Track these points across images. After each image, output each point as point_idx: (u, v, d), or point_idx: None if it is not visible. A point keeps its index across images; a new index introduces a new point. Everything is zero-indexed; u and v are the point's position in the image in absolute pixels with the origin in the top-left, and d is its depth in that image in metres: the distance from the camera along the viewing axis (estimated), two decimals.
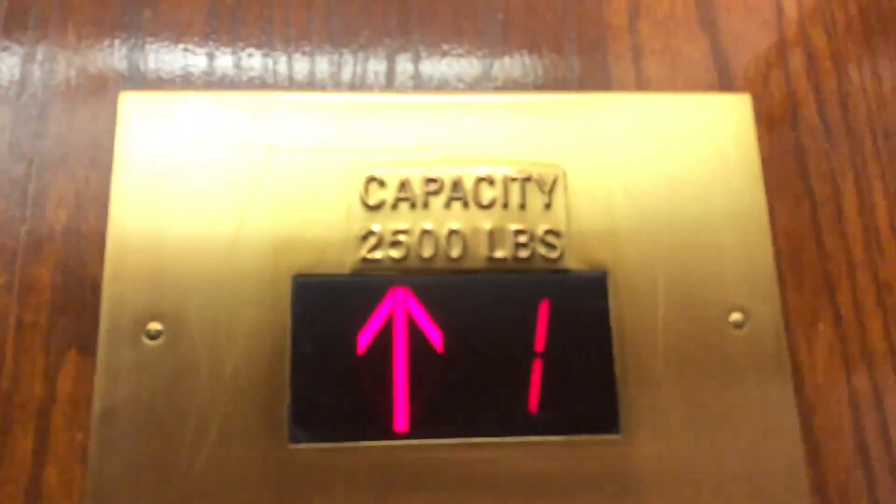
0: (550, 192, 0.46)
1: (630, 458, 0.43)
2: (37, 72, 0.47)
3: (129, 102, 0.47)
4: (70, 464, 0.41)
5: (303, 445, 0.42)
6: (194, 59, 0.49)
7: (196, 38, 0.49)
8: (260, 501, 0.41)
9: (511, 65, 0.50)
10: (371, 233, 0.45)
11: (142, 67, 0.48)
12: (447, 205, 0.46)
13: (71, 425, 0.42)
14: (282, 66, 0.49)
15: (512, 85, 0.50)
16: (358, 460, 0.42)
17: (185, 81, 0.48)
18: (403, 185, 0.46)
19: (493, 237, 0.45)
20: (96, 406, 0.41)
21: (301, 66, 0.49)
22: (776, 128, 0.50)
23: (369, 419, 0.43)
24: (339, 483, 0.42)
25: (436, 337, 0.44)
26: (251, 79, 0.49)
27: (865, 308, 0.47)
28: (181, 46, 0.49)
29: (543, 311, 0.45)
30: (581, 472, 0.43)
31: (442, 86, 0.49)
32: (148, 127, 0.46)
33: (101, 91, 0.47)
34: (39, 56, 0.48)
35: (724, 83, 0.51)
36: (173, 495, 0.41)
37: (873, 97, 0.51)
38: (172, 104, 0.47)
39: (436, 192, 0.46)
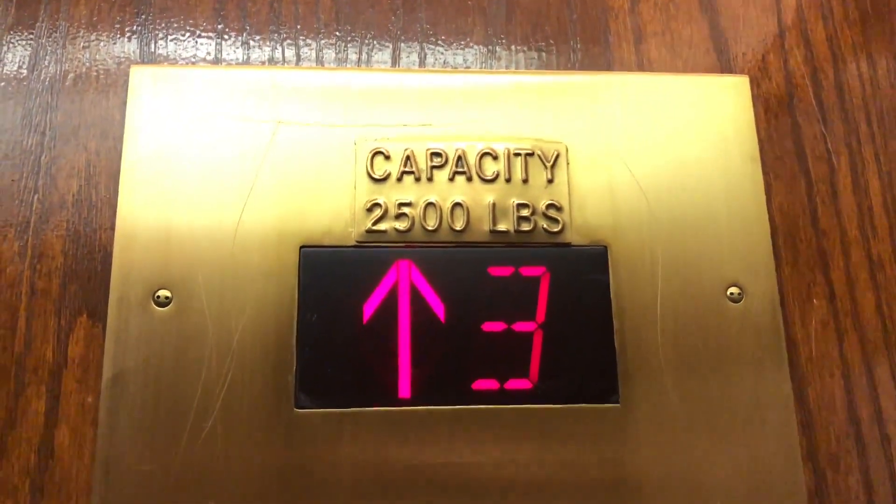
0: (553, 167, 0.47)
1: (629, 427, 0.44)
2: (49, 46, 0.48)
3: (140, 76, 0.47)
4: (81, 425, 0.42)
5: (308, 410, 0.43)
6: (203, 36, 0.50)
7: (206, 16, 0.50)
8: (266, 465, 0.42)
9: (515, 44, 0.51)
10: (376, 205, 0.46)
11: (152, 43, 0.49)
12: (451, 178, 0.47)
13: (82, 388, 0.43)
14: (289, 44, 0.50)
15: (515, 64, 0.51)
16: (362, 425, 0.43)
17: (194, 58, 0.49)
18: (408, 159, 0.47)
19: (496, 210, 0.46)
20: (106, 370, 0.42)
21: (308, 43, 0.50)
22: (773, 109, 0.51)
23: (373, 386, 0.44)
24: (343, 447, 0.43)
25: (439, 308, 0.45)
26: (259, 56, 0.49)
27: (858, 284, 0.48)
28: (191, 23, 0.50)
29: (544, 284, 0.46)
30: (581, 439, 0.44)
31: (447, 64, 0.50)
32: (158, 100, 0.47)
33: (112, 66, 0.48)
34: (53, 31, 0.49)
35: (724, 65, 0.52)
36: (181, 457, 0.42)
37: (868, 81, 0.52)
38: (182, 79, 0.48)
39: (440, 166, 0.47)
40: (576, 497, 0.43)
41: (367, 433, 0.43)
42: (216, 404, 0.42)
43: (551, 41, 0.51)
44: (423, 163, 0.47)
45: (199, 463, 0.42)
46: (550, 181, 0.47)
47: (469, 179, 0.47)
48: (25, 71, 0.48)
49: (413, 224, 0.46)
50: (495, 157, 0.47)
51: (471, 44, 0.51)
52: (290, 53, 0.50)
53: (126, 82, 0.48)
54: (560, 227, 0.47)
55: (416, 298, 0.45)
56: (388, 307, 0.45)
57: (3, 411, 0.42)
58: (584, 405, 0.44)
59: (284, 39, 0.50)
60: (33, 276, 0.44)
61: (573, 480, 0.43)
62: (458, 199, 0.46)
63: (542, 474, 0.43)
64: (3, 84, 0.47)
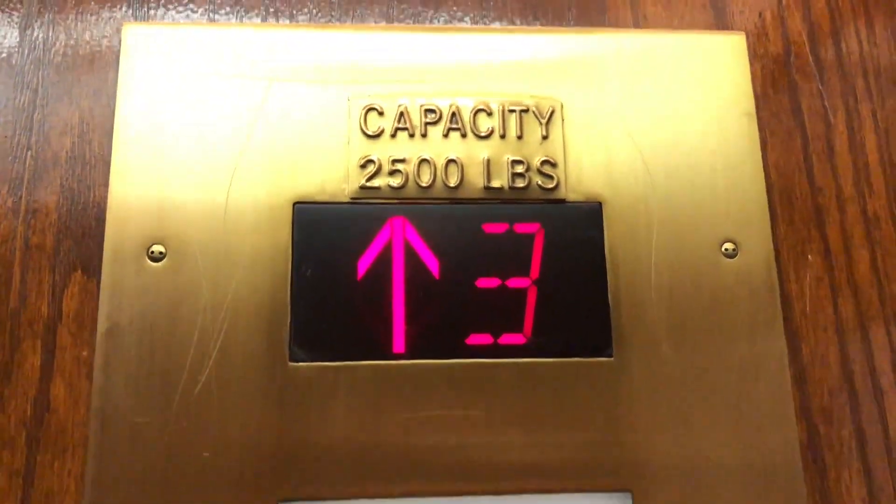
0: (548, 123, 0.47)
1: (622, 380, 0.44)
2: (42, 4, 0.48)
3: (133, 35, 0.47)
4: (76, 379, 0.42)
5: (303, 364, 0.43)
6: None
7: None
8: (260, 417, 0.42)
9: (510, 0, 0.51)
10: (370, 161, 0.46)
11: (145, 2, 0.49)
12: (445, 135, 0.47)
13: (77, 343, 0.43)
14: (283, 1, 0.49)
15: (510, 20, 0.50)
16: (356, 379, 0.43)
17: (188, 17, 0.49)
18: (402, 116, 0.47)
19: (490, 167, 0.46)
20: (101, 324, 0.42)
21: (302, 0, 0.50)
22: (770, 66, 0.51)
23: (368, 341, 0.44)
24: (337, 400, 0.43)
25: (433, 264, 0.45)
26: (253, 14, 0.49)
27: (854, 240, 0.48)
28: None
29: (539, 241, 0.46)
30: (574, 392, 0.44)
31: (441, 20, 0.50)
32: (151, 59, 0.47)
33: (105, 24, 0.48)
34: None
35: (720, 23, 0.51)
36: (176, 410, 0.42)
37: (866, 38, 0.52)
38: (175, 37, 0.47)
39: (434, 123, 0.47)
40: (569, 449, 0.43)
41: (361, 387, 0.43)
42: (211, 357, 0.42)
43: None
44: (416, 119, 0.47)
45: (194, 415, 0.42)
46: (545, 137, 0.47)
47: (463, 136, 0.47)
48: (17, 29, 0.48)
49: (407, 180, 0.46)
50: (490, 114, 0.47)
51: (466, 0, 0.50)
52: (283, 11, 0.49)
53: (119, 41, 0.47)
54: (555, 183, 0.46)
55: (410, 255, 0.45)
56: (383, 263, 0.45)
57: None
58: (577, 359, 0.44)
59: None
60: (27, 231, 0.44)
61: (566, 433, 0.43)
62: (453, 156, 0.46)
63: (535, 426, 0.43)
64: None
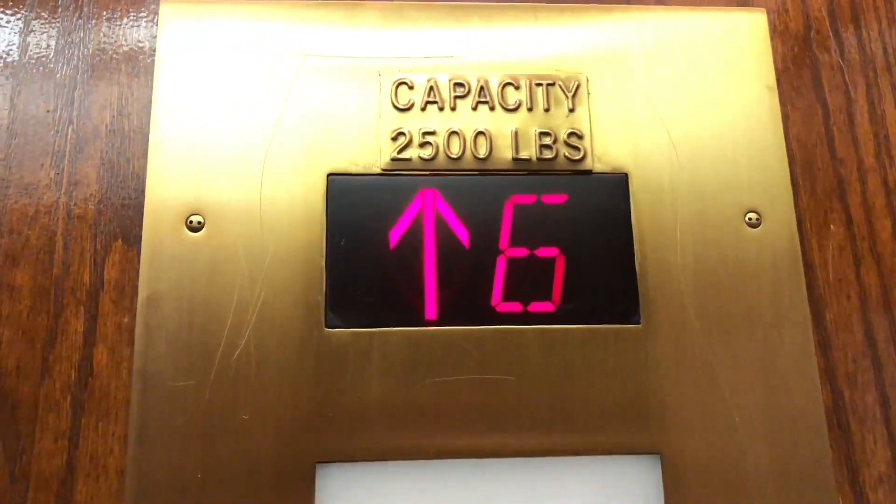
0: (574, 97, 0.48)
1: (649, 347, 0.45)
2: None
3: (170, 11, 0.48)
4: (118, 345, 0.44)
5: (338, 330, 0.44)
6: None
7: None
8: (297, 381, 0.43)
9: None
10: (401, 133, 0.47)
11: None
12: (474, 107, 0.48)
13: (118, 310, 0.44)
14: None
15: None
16: (390, 344, 0.44)
17: None
18: (432, 89, 0.48)
19: (519, 138, 0.47)
20: (142, 291, 0.44)
21: None
22: (791, 41, 0.52)
23: (401, 308, 0.45)
24: (372, 365, 0.44)
25: (463, 234, 0.46)
26: None
27: (875, 210, 0.49)
28: None
29: (567, 211, 0.47)
30: (602, 359, 0.45)
31: None
32: (187, 34, 0.48)
33: (143, 0, 0.49)
34: None
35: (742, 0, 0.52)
36: (215, 375, 0.43)
37: (885, 12, 0.52)
38: (210, 13, 0.49)
39: (463, 96, 0.48)
40: (598, 413, 0.44)
41: (395, 352, 0.44)
42: (249, 324, 0.44)
43: None
44: (446, 93, 0.48)
45: (232, 380, 0.43)
46: (571, 110, 0.48)
47: (492, 109, 0.48)
48: (60, 8, 0.49)
49: (437, 152, 0.47)
50: (517, 87, 0.48)
51: None
52: None
53: (156, 17, 0.49)
54: (581, 154, 0.47)
55: (441, 225, 0.46)
56: (414, 234, 0.46)
57: (44, 331, 0.43)
58: (606, 326, 0.45)
59: None
60: (69, 202, 0.45)
61: (596, 397, 0.44)
62: (481, 128, 0.47)
63: (565, 391, 0.44)
64: (35, 19, 0.48)
